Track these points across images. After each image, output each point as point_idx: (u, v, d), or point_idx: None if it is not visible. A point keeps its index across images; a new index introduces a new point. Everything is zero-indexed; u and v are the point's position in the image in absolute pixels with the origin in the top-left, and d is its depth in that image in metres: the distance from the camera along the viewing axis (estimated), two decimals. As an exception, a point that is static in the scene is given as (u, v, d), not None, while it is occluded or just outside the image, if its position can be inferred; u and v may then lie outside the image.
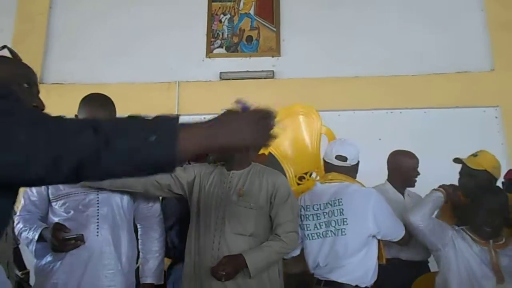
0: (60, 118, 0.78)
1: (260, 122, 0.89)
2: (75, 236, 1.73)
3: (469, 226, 2.19)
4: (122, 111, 4.81)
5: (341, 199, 2.12)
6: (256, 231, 1.92)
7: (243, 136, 0.87)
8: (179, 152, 0.78)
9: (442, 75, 4.34)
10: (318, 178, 2.76)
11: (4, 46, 1.28)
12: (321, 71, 4.47)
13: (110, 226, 1.82)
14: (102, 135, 0.74)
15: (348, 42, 4.55)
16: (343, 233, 2.08)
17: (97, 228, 1.78)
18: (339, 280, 2.04)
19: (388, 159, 2.92)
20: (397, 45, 4.49)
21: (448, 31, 4.47)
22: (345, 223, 2.08)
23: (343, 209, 2.10)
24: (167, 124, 0.80)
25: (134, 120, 0.81)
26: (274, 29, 4.63)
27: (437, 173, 3.47)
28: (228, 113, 0.90)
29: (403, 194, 2.83)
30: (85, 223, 1.78)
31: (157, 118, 0.81)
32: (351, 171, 2.27)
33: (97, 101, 1.94)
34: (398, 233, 2.16)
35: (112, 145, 0.74)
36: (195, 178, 2.04)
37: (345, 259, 2.05)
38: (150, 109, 4.38)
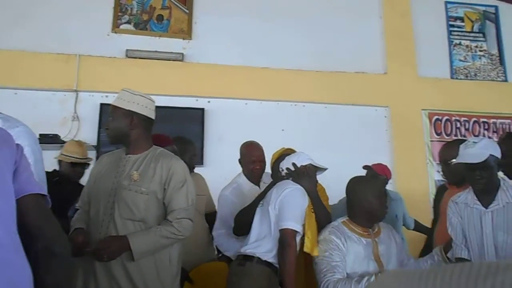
0: None
1: None
2: None
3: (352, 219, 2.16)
4: (14, 82, 4.32)
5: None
6: (147, 216, 1.84)
7: None
8: None
9: (342, 73, 4.63)
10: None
11: None
12: (232, 58, 4.48)
13: None
14: None
15: (260, 32, 4.62)
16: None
17: None
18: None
19: None
20: (306, 41, 4.68)
21: (350, 34, 4.78)
22: (260, 205, 2.24)
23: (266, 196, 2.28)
24: None
25: None
26: (187, 11, 4.52)
27: (332, 164, 3.73)
28: None
29: (258, 184, 2.84)
30: None
31: None
32: None
33: None
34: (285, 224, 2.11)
35: None
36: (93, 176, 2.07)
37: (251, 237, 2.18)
38: (46, 81, 4.00)
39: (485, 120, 4.82)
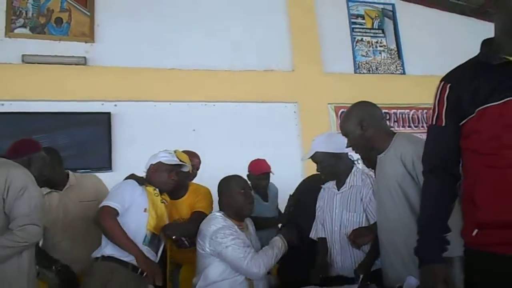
0: None
1: None
2: None
3: None
4: None
5: None
6: None
7: None
8: None
9: (251, 72, 4.74)
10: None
11: None
12: (138, 60, 4.43)
13: None
14: None
15: (167, 33, 4.59)
16: None
17: None
18: None
19: None
20: (214, 41, 4.72)
21: (258, 32, 4.89)
22: None
23: None
24: None
25: None
26: (88, 13, 4.38)
27: (245, 159, 3.81)
28: None
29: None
30: None
31: None
32: None
33: None
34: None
35: None
36: None
37: None
38: None
39: (386, 111, 5.13)
